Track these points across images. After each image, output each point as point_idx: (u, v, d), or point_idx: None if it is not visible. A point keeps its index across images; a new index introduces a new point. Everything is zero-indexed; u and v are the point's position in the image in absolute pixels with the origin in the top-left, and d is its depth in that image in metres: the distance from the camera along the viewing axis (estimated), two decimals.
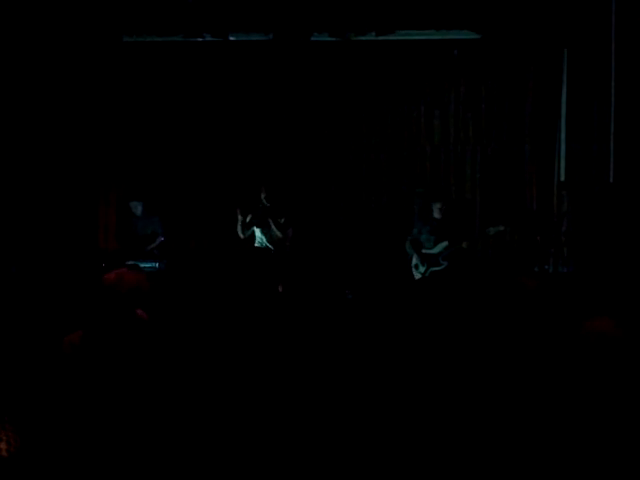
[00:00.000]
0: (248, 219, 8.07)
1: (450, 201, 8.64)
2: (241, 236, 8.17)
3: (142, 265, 8.30)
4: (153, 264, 8.50)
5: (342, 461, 3.31)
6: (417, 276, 8.25)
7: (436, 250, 8.22)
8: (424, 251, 8.24)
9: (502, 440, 3.30)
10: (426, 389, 3.85)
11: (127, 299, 3.20)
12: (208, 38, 9.04)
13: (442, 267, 8.15)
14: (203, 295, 7.69)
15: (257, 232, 8.13)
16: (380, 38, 8.95)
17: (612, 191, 8.03)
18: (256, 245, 8.16)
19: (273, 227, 8.03)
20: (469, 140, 9.48)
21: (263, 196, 8.08)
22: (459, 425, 3.45)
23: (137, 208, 8.89)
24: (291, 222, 8.12)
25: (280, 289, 7.81)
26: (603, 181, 8.11)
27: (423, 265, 8.21)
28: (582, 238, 8.28)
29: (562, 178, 8.84)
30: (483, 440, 3.34)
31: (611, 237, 7.94)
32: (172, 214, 9.39)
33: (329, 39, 8.97)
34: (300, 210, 9.16)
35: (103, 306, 3.22)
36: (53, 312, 5.87)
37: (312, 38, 9.00)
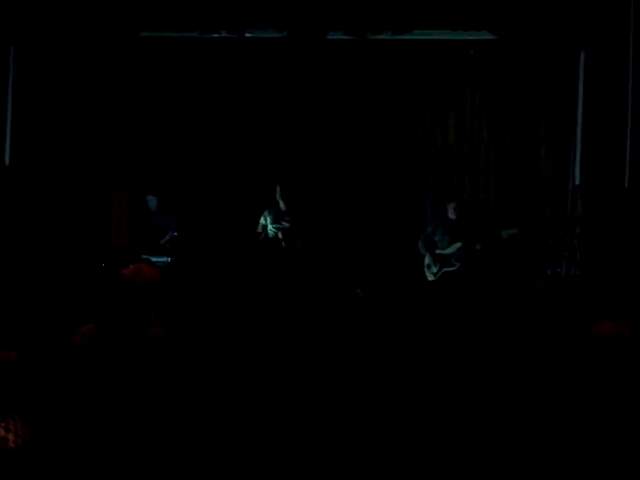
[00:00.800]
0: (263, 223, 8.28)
1: (464, 201, 8.62)
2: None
3: (154, 259, 8.33)
4: (165, 259, 8.54)
5: (346, 460, 3.31)
6: (429, 276, 8.22)
7: (449, 251, 8.20)
8: (437, 251, 8.22)
9: (512, 440, 3.29)
10: (435, 389, 3.84)
11: (143, 292, 3.22)
12: (224, 34, 9.04)
13: (454, 268, 8.13)
14: (213, 290, 7.69)
15: (270, 225, 8.26)
16: (396, 37, 8.92)
17: (627, 195, 7.99)
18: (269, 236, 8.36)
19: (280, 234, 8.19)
20: (484, 141, 9.44)
21: (278, 195, 8.21)
22: (468, 425, 3.44)
23: (152, 202, 8.96)
24: (300, 228, 8.23)
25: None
26: (618, 185, 8.07)
27: (435, 265, 8.19)
28: (596, 242, 8.24)
29: (577, 181, 8.79)
30: (493, 440, 3.33)
31: (625, 241, 7.90)
32: (185, 209, 9.41)
33: (345, 37, 8.95)
34: (311, 209, 9.16)
35: (118, 298, 3.23)
36: (64, 305, 5.88)
37: (328, 36, 8.98)
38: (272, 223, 8.39)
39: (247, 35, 9.07)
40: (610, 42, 8.25)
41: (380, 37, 8.94)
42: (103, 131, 9.38)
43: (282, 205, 8.31)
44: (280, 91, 9.42)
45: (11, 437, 2.69)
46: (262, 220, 8.48)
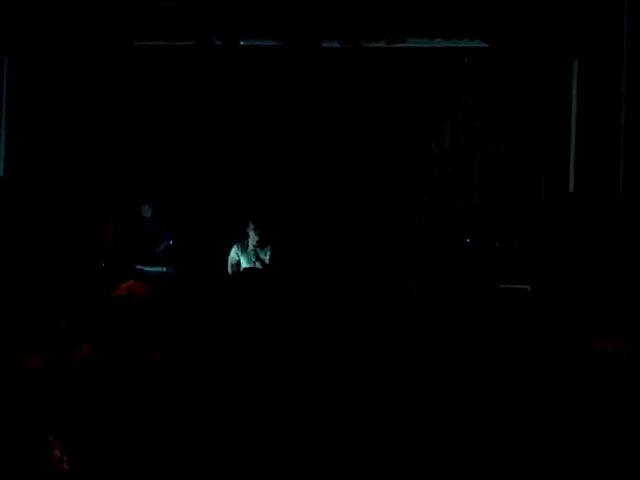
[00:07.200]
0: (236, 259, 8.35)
1: (459, 209, 8.66)
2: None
3: (149, 269, 8.32)
4: (160, 268, 8.52)
5: (343, 462, 3.33)
6: None
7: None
8: None
9: (505, 452, 3.30)
10: (431, 397, 3.86)
11: (140, 311, 3.21)
12: (219, 43, 9.04)
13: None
14: (209, 300, 7.69)
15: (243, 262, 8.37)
16: (391, 46, 8.94)
17: (621, 203, 8.03)
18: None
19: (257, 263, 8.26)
20: (478, 148, 9.46)
21: (253, 230, 8.25)
22: (461, 433, 3.46)
23: (147, 211, 8.91)
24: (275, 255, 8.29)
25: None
26: (612, 193, 8.11)
27: None
28: (590, 249, 8.27)
29: (571, 189, 8.83)
30: (485, 451, 3.35)
31: (619, 249, 7.93)
32: (180, 219, 9.40)
33: (339, 46, 8.96)
34: (305, 216, 9.17)
35: (116, 320, 3.22)
36: (60, 316, 5.87)
37: (322, 44, 9.00)
38: (248, 263, 8.30)
39: (242, 43, 9.08)
40: (603, 50, 8.30)
41: (374, 45, 8.96)
42: (98, 140, 9.37)
43: (254, 241, 8.27)
44: (275, 100, 9.42)
45: (65, 458, 2.65)
46: (233, 255, 8.37)
